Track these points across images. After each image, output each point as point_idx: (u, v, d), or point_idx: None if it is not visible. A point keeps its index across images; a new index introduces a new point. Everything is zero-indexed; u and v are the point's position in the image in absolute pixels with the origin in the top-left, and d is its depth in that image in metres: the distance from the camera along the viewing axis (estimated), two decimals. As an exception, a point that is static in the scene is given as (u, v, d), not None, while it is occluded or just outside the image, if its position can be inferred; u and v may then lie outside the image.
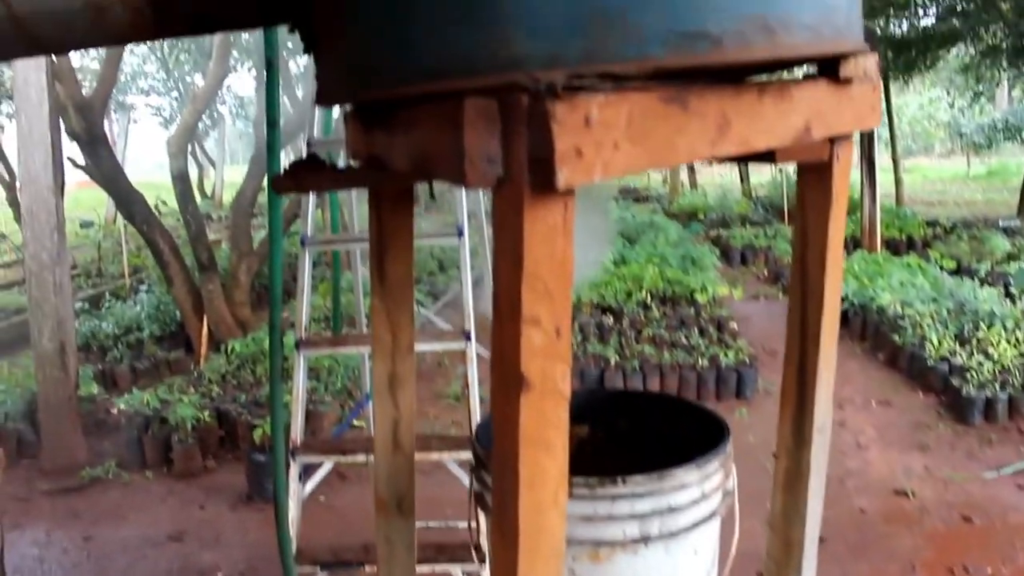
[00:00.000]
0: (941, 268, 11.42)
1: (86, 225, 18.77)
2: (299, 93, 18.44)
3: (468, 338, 3.40)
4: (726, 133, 1.10)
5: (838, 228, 1.54)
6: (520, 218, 0.91)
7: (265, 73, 3.39)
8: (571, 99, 0.90)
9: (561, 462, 1.00)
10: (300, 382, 3.69)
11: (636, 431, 2.15)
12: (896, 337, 8.42)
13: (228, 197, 23.47)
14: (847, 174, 1.53)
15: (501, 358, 0.97)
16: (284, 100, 18.03)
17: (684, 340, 8.46)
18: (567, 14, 0.96)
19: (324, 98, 1.31)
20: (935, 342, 8.00)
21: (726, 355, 7.87)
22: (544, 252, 0.93)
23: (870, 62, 1.38)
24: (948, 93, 29.76)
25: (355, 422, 6.74)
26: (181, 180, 9.34)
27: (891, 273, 10.50)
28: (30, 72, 6.44)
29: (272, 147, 3.40)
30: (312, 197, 3.86)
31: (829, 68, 1.34)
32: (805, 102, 1.28)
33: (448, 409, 7.67)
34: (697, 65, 1.01)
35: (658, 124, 0.99)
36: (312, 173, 1.46)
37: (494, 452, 1.00)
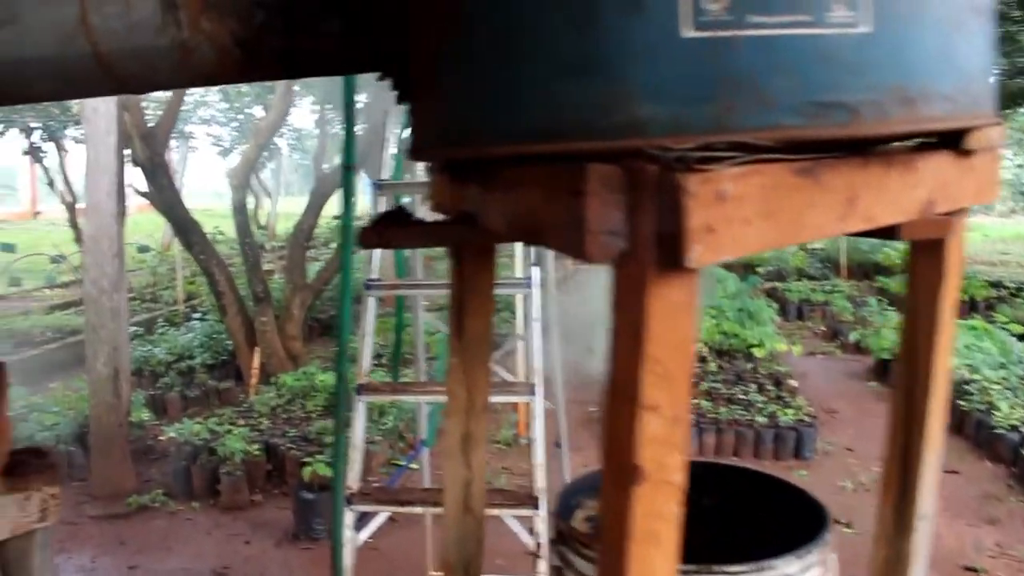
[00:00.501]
0: (1008, 332, 11.11)
1: (143, 250, 19.07)
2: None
3: (533, 392, 3.33)
4: (854, 207, 1.04)
5: (950, 307, 1.46)
6: (643, 296, 0.85)
7: (344, 113, 3.38)
8: (704, 171, 0.84)
9: (672, 558, 0.92)
10: (359, 428, 3.64)
11: (722, 508, 2.05)
12: (962, 403, 8.17)
13: (281, 228, 23.73)
14: (961, 250, 1.45)
15: (613, 445, 0.90)
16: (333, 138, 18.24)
17: (741, 396, 8.29)
18: (694, 76, 0.91)
19: (418, 152, 1.27)
20: (1004, 409, 7.74)
21: (785, 413, 7.69)
22: (666, 333, 0.87)
23: (996, 132, 1.30)
24: (1012, 152, 29.22)
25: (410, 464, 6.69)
26: (240, 211, 9.45)
27: (955, 336, 10.23)
28: (99, 101, 6.55)
29: (348, 189, 3.39)
30: None
31: (952, 138, 1.26)
32: (930, 174, 1.20)
33: (498, 455, 7.57)
34: (832, 137, 0.95)
35: (790, 198, 0.93)
36: (399, 228, 1.41)
37: (602, 545, 0.93)
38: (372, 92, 11.98)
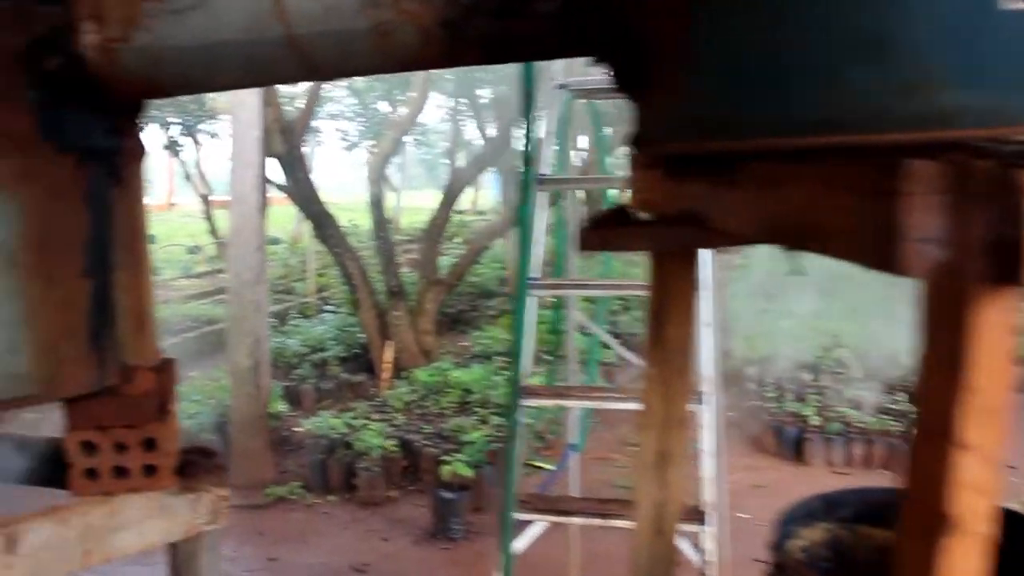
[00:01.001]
0: None
1: (273, 242, 19.64)
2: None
3: (702, 400, 3.19)
4: None
5: None
6: (965, 315, 0.73)
7: (523, 104, 3.31)
8: (1045, 168, 0.71)
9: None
10: (519, 432, 3.57)
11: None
12: None
13: (405, 222, 24.03)
14: None
15: (918, 488, 0.78)
16: (474, 130, 18.31)
17: (893, 405, 7.91)
18: (1016, 54, 0.78)
19: (648, 144, 1.17)
20: None
21: (942, 422, 7.29)
22: (989, 359, 0.74)
23: None
24: None
25: (544, 464, 6.63)
26: (376, 206, 9.56)
27: None
28: (245, 95, 6.70)
29: (526, 182, 3.33)
30: (541, 233, 3.75)
31: None
32: None
33: (635, 458, 7.43)
34: None
35: None
36: (621, 230, 1.31)
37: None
38: (500, 85, 11.98)
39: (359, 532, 5.95)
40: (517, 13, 1.18)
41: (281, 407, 8.42)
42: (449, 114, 18.96)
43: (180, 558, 1.85)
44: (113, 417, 1.56)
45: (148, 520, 1.68)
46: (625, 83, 1.19)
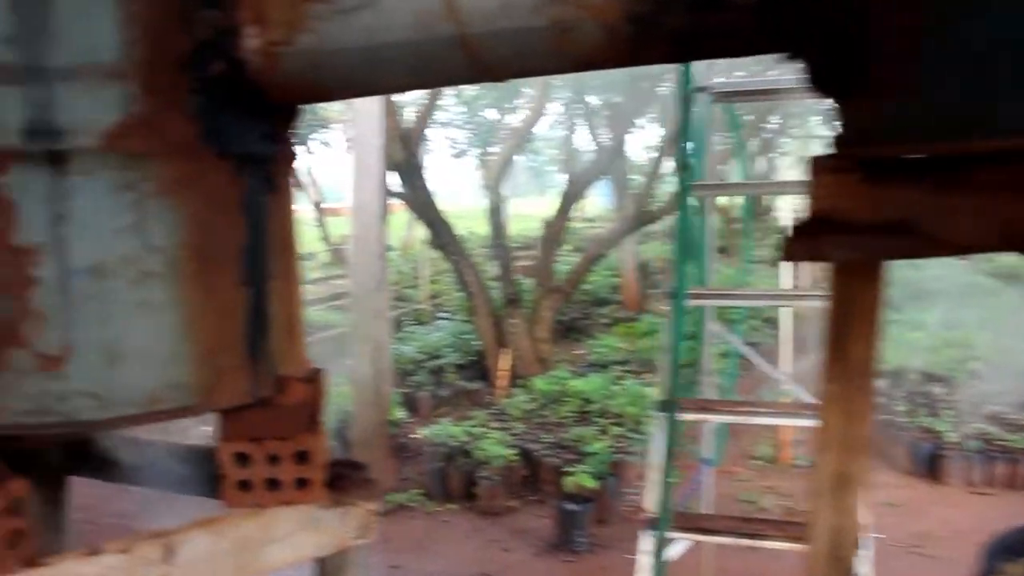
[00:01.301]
0: None
1: (387, 249, 19.90)
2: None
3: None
4: None
5: None
6: None
7: (681, 108, 3.23)
8: None
9: None
10: (660, 448, 3.47)
11: None
12: None
13: (513, 229, 24.05)
14: None
15: None
16: (581, 137, 18.20)
17: (1036, 420, 7.50)
18: None
19: (853, 145, 1.07)
20: None
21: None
22: None
23: None
24: None
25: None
26: (494, 212, 9.57)
27: None
28: (367, 103, 6.77)
29: (683, 190, 3.25)
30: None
31: None
32: None
33: (759, 472, 7.23)
34: None
35: None
36: (830, 238, 1.21)
37: None
38: (610, 92, 11.84)
39: (480, 542, 5.93)
40: (714, 5, 1.10)
41: (399, 414, 8.49)
42: (560, 121, 18.91)
43: (328, 571, 1.82)
44: (267, 428, 1.54)
45: (299, 533, 1.65)
46: (824, 82, 1.10)
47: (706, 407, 4.04)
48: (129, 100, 1.32)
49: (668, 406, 3.43)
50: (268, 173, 1.49)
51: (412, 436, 8.03)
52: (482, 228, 18.35)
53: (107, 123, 1.31)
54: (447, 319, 12.49)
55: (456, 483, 6.66)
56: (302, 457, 1.58)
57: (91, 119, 1.30)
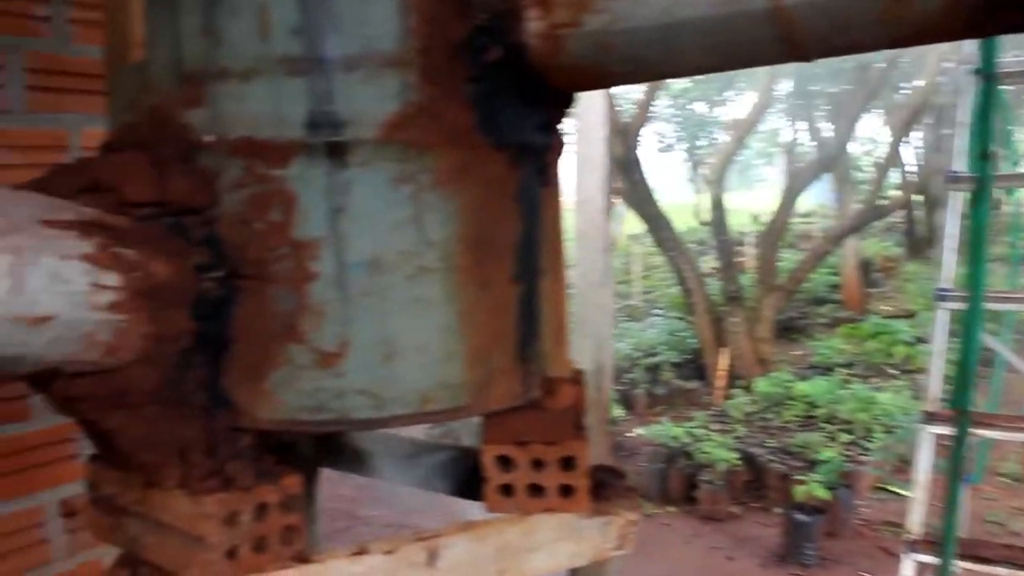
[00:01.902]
0: None
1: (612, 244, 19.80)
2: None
3: None
4: None
5: None
6: None
7: (982, 90, 2.97)
8: None
9: None
10: (924, 463, 3.21)
11: None
12: None
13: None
14: None
15: None
16: (791, 130, 17.48)
17: None
18: None
19: None
20: None
21: None
22: None
23: None
24: None
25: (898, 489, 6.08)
26: (717, 207, 9.32)
27: None
28: (592, 97, 6.69)
29: (983, 181, 2.99)
30: (954, 240, 3.36)
31: None
32: None
33: (1006, 490, 6.65)
34: None
35: None
36: None
37: None
38: (830, 82, 11.24)
39: (701, 548, 5.75)
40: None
41: (615, 412, 8.41)
42: (779, 113, 18.27)
43: (581, 582, 1.74)
44: (533, 432, 1.47)
45: (559, 542, 1.58)
46: None
47: (987, 421, 3.68)
48: (407, 89, 1.27)
49: (935, 418, 3.15)
50: (542, 164, 1.42)
51: (628, 435, 7.93)
52: (691, 223, 17.99)
53: (386, 113, 1.26)
54: (661, 316, 12.30)
55: (676, 485, 6.50)
56: (567, 463, 1.50)
57: (370, 109, 1.26)
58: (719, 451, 6.44)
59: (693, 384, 9.51)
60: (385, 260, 1.26)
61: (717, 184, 9.44)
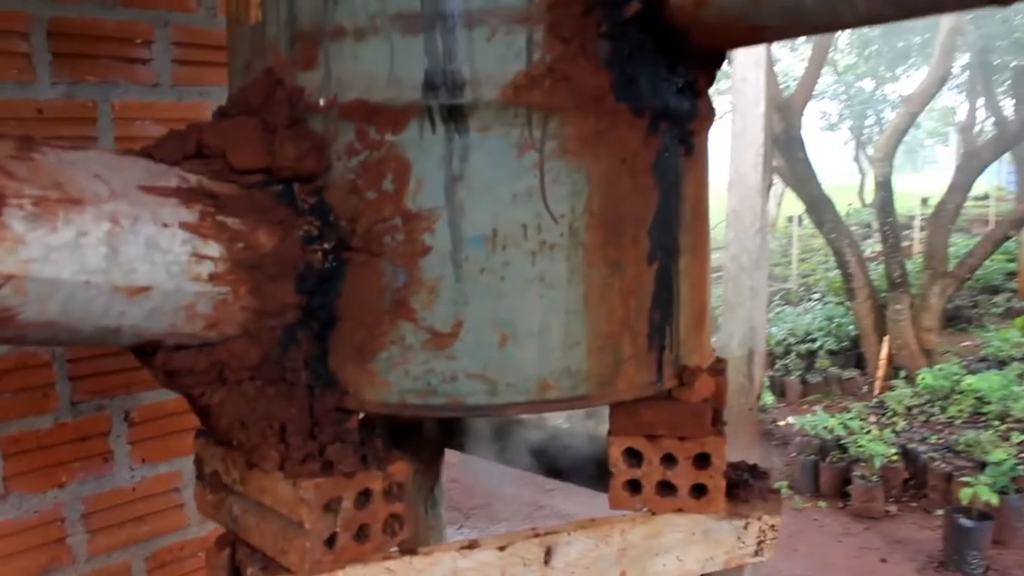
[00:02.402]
0: None
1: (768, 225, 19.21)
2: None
3: None
4: None
5: None
6: None
7: None
8: None
9: None
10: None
11: None
12: None
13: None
14: None
15: None
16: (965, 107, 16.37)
17: None
18: None
19: None
20: None
21: None
22: None
23: None
24: None
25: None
26: (883, 187, 8.82)
27: None
28: (748, 70, 6.43)
29: None
30: None
31: None
32: None
33: None
34: None
35: None
36: None
37: None
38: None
39: (853, 548, 5.45)
40: None
41: (767, 398, 8.11)
42: (955, 89, 17.23)
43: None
44: (666, 426, 1.33)
45: (689, 546, 1.44)
46: None
47: None
48: (534, 47, 1.16)
49: None
50: (684, 132, 1.28)
51: (779, 423, 7.63)
52: (854, 205, 17.19)
53: (510, 73, 1.15)
54: (819, 301, 11.81)
55: (828, 479, 6.20)
56: (701, 460, 1.36)
57: (493, 69, 1.15)
58: (876, 445, 6.08)
59: (850, 373, 9.06)
60: (505, 234, 1.16)
61: (885, 162, 8.91)
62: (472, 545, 1.25)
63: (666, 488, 1.38)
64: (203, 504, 1.33)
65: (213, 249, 1.10)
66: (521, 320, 1.17)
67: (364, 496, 1.17)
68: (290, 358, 1.19)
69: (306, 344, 1.20)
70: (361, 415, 1.27)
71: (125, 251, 1.03)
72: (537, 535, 1.31)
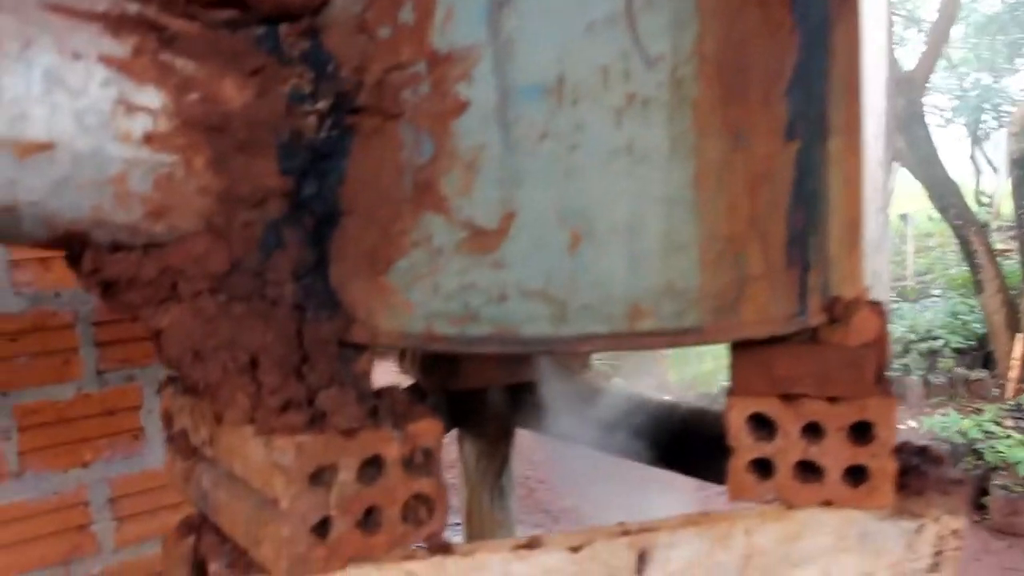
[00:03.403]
0: None
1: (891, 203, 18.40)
2: None
3: None
4: None
5: None
6: None
7: None
8: None
9: None
10: None
11: None
12: None
13: (1007, 208, 21.30)
14: None
15: None
16: None
17: None
18: None
19: None
20: None
21: None
22: None
23: None
24: None
25: None
26: (1020, 165, 8.13)
27: None
28: (870, 30, 5.92)
29: None
30: None
31: None
32: None
33: None
34: None
35: None
36: None
37: None
38: None
39: (993, 568, 4.91)
40: None
41: (886, 399, 7.55)
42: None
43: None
44: (811, 381, 0.96)
45: (839, 554, 1.06)
46: None
47: None
48: None
49: None
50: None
51: (899, 427, 7.07)
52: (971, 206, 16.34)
53: None
54: (940, 296, 11.10)
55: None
56: (861, 433, 0.98)
57: None
58: (1019, 451, 5.51)
59: (978, 374, 8.41)
60: (576, 83, 0.80)
61: (1023, 136, 8.24)
62: (532, 544, 0.90)
63: (808, 472, 1.00)
64: (172, 475, 1.01)
65: (151, 97, 0.77)
66: (601, 211, 0.81)
67: (373, 466, 0.82)
68: (273, 268, 0.86)
69: (296, 249, 0.87)
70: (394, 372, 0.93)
71: (9, 87, 0.71)
72: (627, 533, 0.95)
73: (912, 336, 9.22)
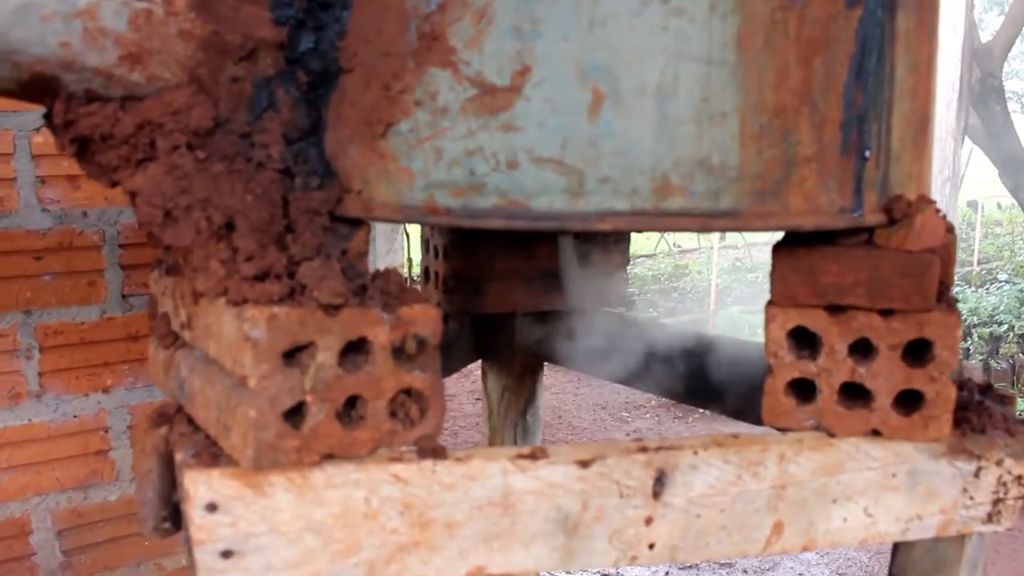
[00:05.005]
0: None
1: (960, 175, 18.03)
2: None
3: None
4: None
5: None
6: None
7: None
8: None
9: None
10: None
11: None
12: None
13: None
14: None
15: None
16: None
17: None
18: None
19: None
20: None
21: None
22: None
23: None
24: None
25: None
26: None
27: None
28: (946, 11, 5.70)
29: None
30: None
31: None
32: None
33: None
34: None
35: None
36: None
37: None
38: None
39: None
40: None
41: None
42: None
43: (912, 566, 1.12)
44: (863, 289, 0.85)
45: (885, 493, 0.96)
46: None
47: None
48: None
49: None
50: None
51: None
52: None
53: None
54: (1006, 280, 10.80)
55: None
56: (917, 353, 0.88)
57: None
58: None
59: (1049, 359, 8.17)
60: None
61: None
62: (536, 455, 0.81)
63: (855, 396, 0.90)
64: (155, 368, 0.94)
65: (120, -84, 0.69)
66: (628, 69, 0.72)
67: (357, 349, 0.74)
68: (261, 130, 0.77)
69: (288, 110, 0.78)
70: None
71: None
72: (644, 450, 0.85)
73: (975, 319, 8.97)
